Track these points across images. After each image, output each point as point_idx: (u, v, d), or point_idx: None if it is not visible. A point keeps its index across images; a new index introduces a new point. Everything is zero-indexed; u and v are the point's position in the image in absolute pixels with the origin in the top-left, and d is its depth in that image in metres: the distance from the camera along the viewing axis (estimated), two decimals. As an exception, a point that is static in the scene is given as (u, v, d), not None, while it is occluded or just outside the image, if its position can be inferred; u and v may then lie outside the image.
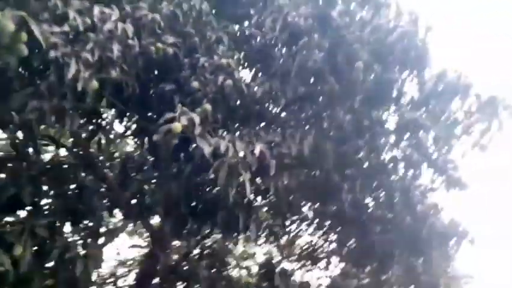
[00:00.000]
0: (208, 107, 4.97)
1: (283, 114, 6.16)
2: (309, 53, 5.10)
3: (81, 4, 4.21)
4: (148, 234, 8.31)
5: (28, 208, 5.75)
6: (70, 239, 5.93)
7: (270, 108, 6.09)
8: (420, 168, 6.05)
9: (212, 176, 4.76)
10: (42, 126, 6.94)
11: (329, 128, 5.56)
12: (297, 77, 5.33)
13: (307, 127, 5.58)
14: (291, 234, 8.85)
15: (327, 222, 7.82)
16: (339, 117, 5.58)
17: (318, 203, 7.39)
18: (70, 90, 4.33)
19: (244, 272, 9.61)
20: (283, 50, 5.81)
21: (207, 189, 5.86)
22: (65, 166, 6.73)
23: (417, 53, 5.34)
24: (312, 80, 5.33)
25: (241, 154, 4.87)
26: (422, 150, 5.85)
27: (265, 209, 7.72)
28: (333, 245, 8.58)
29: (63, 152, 7.34)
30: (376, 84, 5.43)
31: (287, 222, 8.38)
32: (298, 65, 5.19)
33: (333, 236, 8.28)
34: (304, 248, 9.43)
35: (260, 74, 6.03)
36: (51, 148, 7.52)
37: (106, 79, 4.58)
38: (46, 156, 7.25)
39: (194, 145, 5.03)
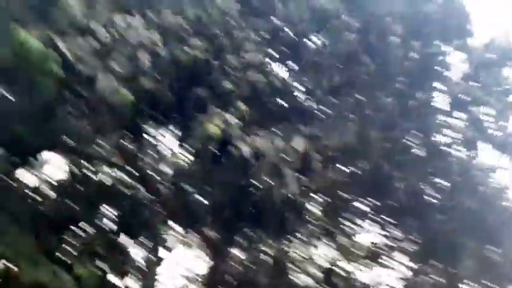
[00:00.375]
0: (242, 106, 4.91)
1: (321, 105, 5.93)
2: (339, 36, 4.87)
3: (104, 15, 4.27)
4: (205, 245, 8.31)
5: (86, 227, 5.97)
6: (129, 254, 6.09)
7: (307, 101, 5.89)
8: (477, 146, 5.57)
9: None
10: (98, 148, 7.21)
11: (372, 114, 5.27)
12: (331, 64, 5.12)
13: (348, 115, 5.32)
14: (349, 233, 8.46)
15: (385, 217, 7.39)
16: (382, 101, 5.28)
17: (371, 197, 7.01)
18: (105, 105, 4.43)
19: (304, 277, 9.31)
20: (314, 39, 5.61)
21: (252, 191, 5.75)
22: (120, 184, 6.95)
23: (458, 22, 4.95)
24: (347, 64, 5.09)
25: (282, 151, 4.73)
26: (477, 127, 5.39)
27: (317, 208, 7.46)
28: (395, 241, 8.08)
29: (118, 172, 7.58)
30: (417, 60, 5.09)
31: (343, 221, 8.05)
32: (330, 51, 4.98)
33: (393, 231, 7.80)
34: (364, 246, 8.97)
35: (293, 67, 5.86)
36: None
37: (140, 89, 4.63)
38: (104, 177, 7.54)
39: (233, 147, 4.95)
